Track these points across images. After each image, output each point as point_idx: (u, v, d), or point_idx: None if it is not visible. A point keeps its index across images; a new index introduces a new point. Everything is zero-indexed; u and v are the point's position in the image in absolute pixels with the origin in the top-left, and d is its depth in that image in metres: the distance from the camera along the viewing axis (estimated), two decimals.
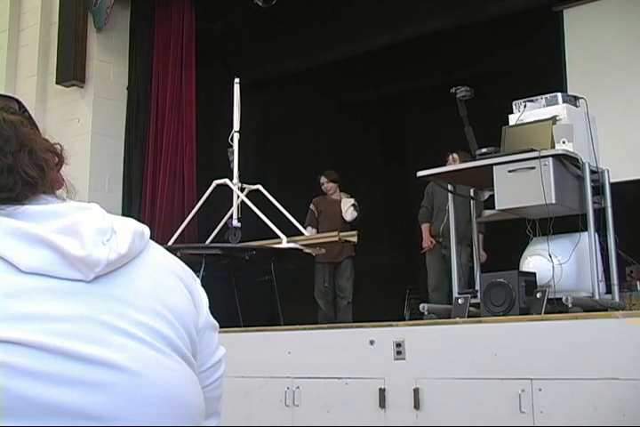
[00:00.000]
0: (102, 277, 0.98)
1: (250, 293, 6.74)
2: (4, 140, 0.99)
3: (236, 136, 6.47)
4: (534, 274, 4.32)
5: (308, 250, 6.13)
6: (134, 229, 1.04)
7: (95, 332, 0.93)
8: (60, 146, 1.07)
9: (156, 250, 1.10)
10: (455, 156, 6.19)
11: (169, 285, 1.06)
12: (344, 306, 6.90)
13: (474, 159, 4.74)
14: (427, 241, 6.50)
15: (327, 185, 7.12)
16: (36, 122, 1.10)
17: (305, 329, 4.72)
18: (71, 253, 0.94)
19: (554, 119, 4.48)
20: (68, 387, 0.89)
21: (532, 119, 4.58)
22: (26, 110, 1.12)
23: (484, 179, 4.55)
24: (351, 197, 7.11)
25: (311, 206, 7.15)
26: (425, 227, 6.57)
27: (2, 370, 0.86)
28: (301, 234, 6.24)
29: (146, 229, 1.08)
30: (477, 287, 4.61)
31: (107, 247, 0.97)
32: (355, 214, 6.93)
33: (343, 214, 6.94)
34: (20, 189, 0.98)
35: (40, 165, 1.01)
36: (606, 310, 4.07)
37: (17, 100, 1.13)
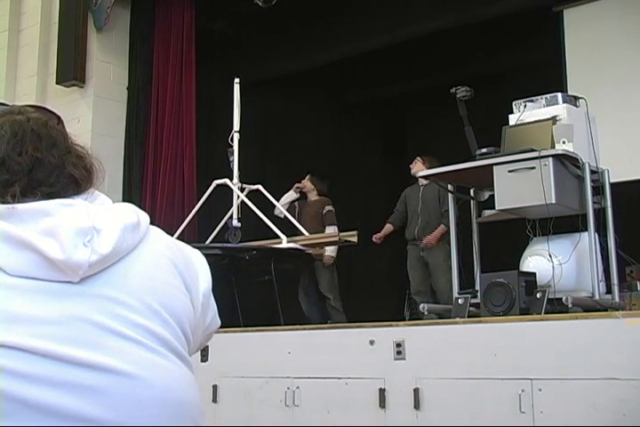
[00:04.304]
0: (94, 276, 0.97)
1: (250, 293, 6.73)
2: (52, 144, 1.08)
3: (236, 136, 6.46)
4: (534, 274, 4.31)
5: (308, 250, 6.13)
6: (125, 224, 1.02)
7: (88, 334, 0.93)
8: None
9: (156, 238, 1.08)
10: (419, 159, 6.36)
11: (166, 280, 1.05)
12: (330, 308, 6.81)
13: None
14: (378, 237, 6.72)
15: (304, 183, 7.09)
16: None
17: (305, 329, 4.72)
18: (52, 257, 0.94)
19: (554, 119, 4.48)
20: (62, 390, 0.88)
21: (532, 119, 4.58)
22: (64, 127, 1.17)
23: (484, 179, 4.55)
24: (329, 203, 7.00)
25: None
26: (387, 227, 6.77)
27: None
28: (301, 234, 6.24)
29: (142, 220, 1.06)
30: (477, 287, 4.61)
31: (88, 249, 0.96)
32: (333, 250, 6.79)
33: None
34: (61, 185, 1.04)
35: (86, 167, 1.12)
36: (606, 310, 4.07)
37: (58, 117, 1.16)
